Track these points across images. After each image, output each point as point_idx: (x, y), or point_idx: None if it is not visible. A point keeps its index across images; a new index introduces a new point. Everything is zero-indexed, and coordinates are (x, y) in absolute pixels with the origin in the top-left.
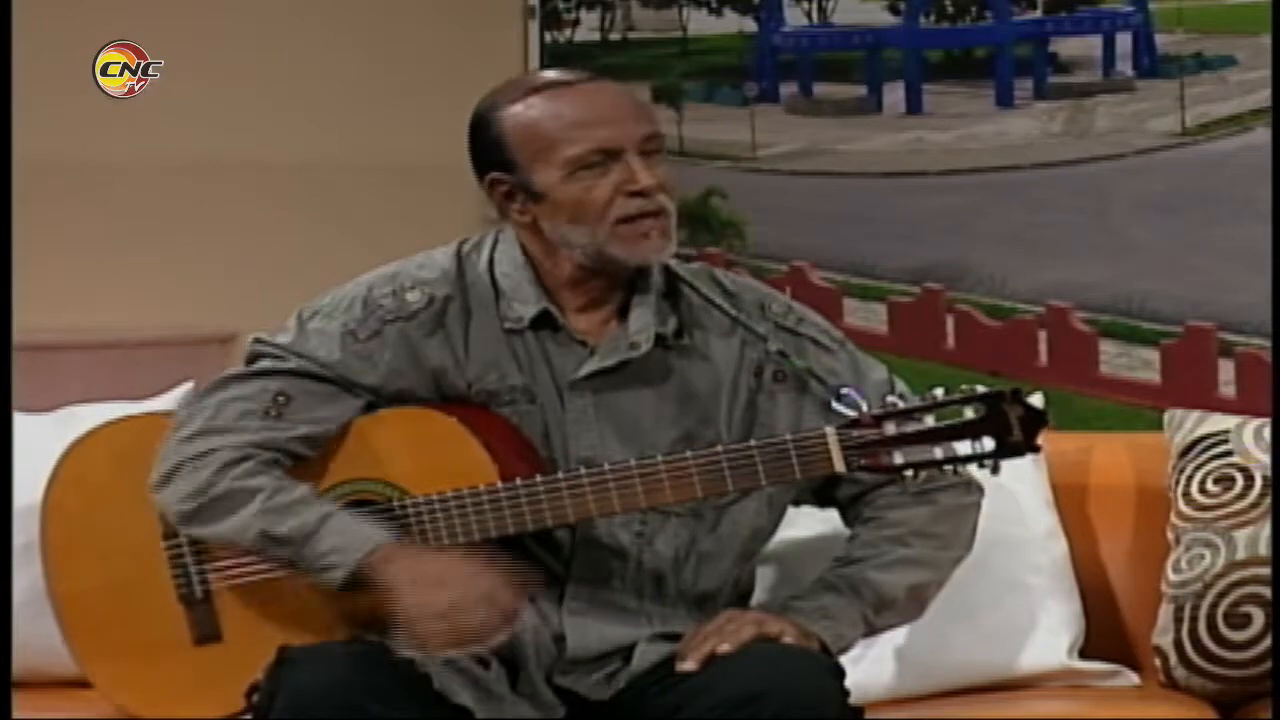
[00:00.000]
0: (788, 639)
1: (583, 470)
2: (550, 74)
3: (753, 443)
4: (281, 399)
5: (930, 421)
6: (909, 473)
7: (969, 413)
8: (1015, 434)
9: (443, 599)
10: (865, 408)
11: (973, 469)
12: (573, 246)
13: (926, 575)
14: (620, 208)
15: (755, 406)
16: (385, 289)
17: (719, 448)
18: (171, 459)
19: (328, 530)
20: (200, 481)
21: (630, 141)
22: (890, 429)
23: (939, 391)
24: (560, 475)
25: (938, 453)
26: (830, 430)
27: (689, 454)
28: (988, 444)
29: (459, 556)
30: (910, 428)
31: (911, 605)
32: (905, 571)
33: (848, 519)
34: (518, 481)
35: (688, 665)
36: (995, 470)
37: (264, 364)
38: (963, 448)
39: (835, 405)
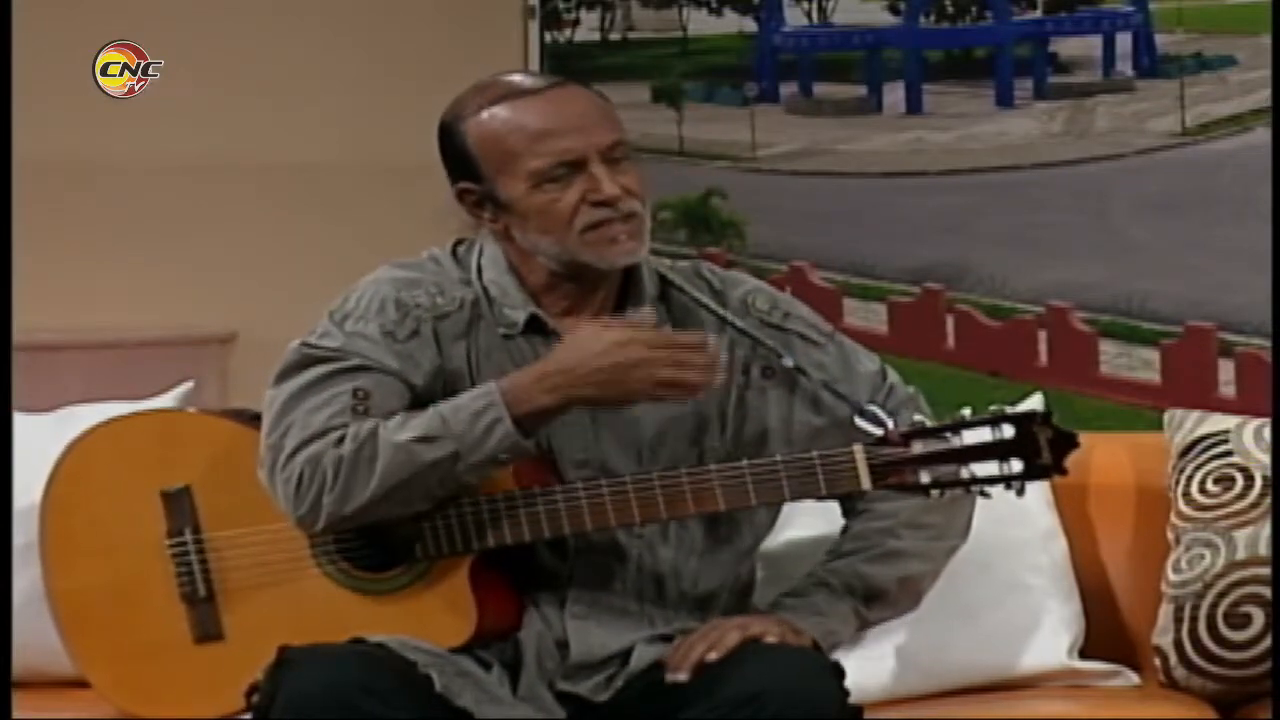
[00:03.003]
0: (770, 639)
1: (603, 480)
2: (514, 79)
3: (779, 458)
4: (361, 394)
5: (958, 441)
6: (935, 492)
7: (997, 433)
8: (1044, 456)
9: (605, 344)
10: (891, 425)
11: (998, 489)
12: (543, 254)
13: (918, 567)
14: (586, 217)
15: (745, 403)
16: (415, 290)
17: (744, 461)
18: (291, 483)
19: (451, 410)
20: (327, 473)
21: (593, 150)
22: (918, 448)
23: (967, 411)
24: (579, 484)
25: (965, 472)
26: (858, 448)
27: (712, 466)
28: (1015, 465)
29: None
30: (938, 447)
31: (905, 597)
32: (896, 564)
33: (843, 510)
34: (535, 489)
35: (680, 676)
36: (1020, 492)
37: (323, 369)
38: (990, 468)
39: (859, 421)
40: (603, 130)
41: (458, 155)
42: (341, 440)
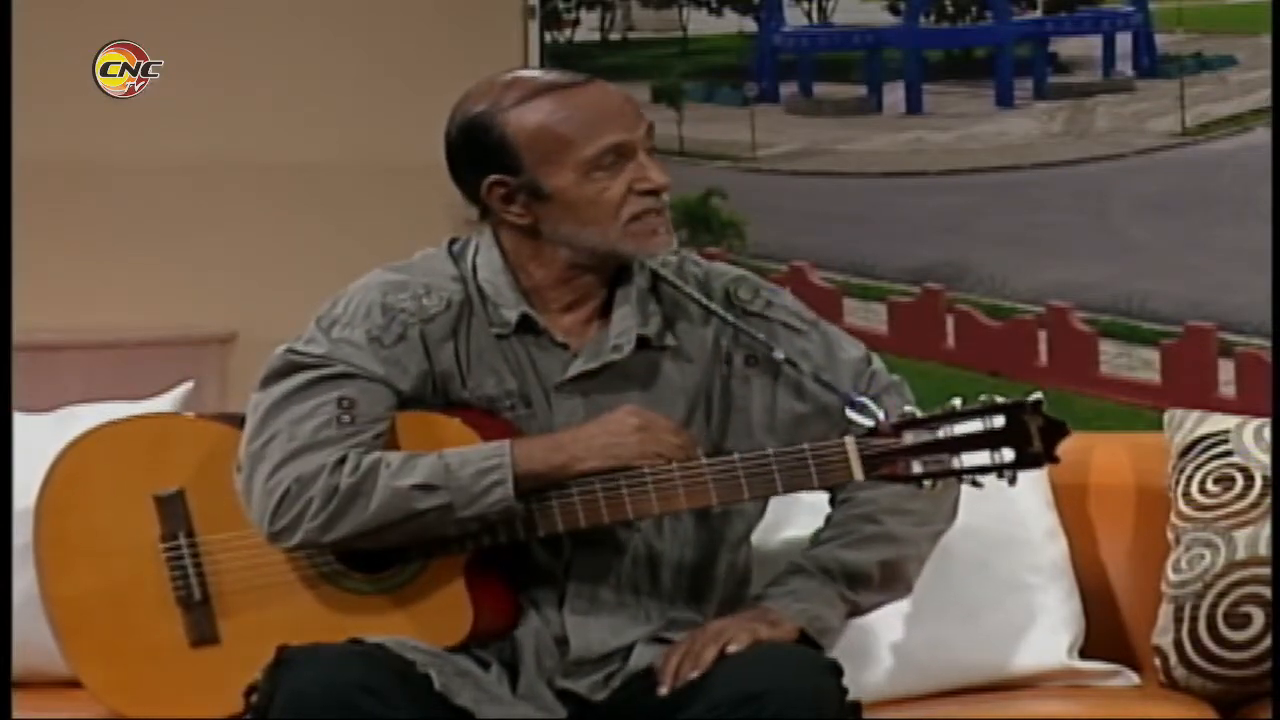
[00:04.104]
0: (733, 647)
1: (596, 478)
2: (542, 75)
3: (770, 451)
4: (346, 403)
5: (949, 431)
6: (927, 482)
7: (988, 423)
8: (1035, 445)
9: (629, 421)
10: (882, 417)
11: (989, 478)
12: (577, 246)
13: (900, 551)
14: (632, 206)
15: (729, 392)
16: (401, 294)
17: (735, 456)
18: (273, 495)
19: (459, 461)
20: (314, 499)
21: (639, 139)
22: (909, 438)
23: (958, 401)
24: (572, 481)
25: (956, 462)
26: (850, 440)
27: (704, 461)
28: (1007, 454)
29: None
30: (929, 437)
31: (892, 582)
32: (876, 548)
33: (830, 501)
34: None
35: (662, 691)
36: (1013, 481)
37: (308, 375)
38: (981, 458)
39: (850, 413)
40: (642, 121)
41: (492, 148)
42: (339, 465)
